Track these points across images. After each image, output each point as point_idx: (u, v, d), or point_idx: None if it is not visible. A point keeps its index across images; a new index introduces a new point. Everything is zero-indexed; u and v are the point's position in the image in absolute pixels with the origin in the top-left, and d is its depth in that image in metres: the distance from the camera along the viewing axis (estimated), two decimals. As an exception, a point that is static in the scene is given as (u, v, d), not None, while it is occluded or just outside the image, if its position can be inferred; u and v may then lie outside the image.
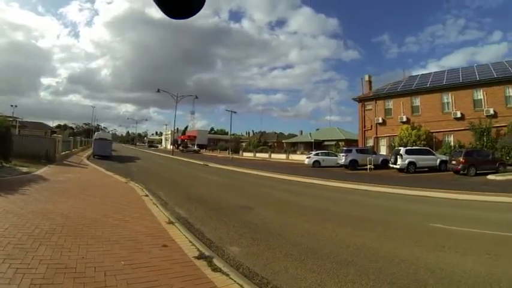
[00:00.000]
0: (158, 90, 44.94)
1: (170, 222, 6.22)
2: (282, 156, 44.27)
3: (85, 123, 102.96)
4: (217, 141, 74.58)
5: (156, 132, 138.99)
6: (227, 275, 3.80)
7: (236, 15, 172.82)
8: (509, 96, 24.12)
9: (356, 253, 5.04)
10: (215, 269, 3.95)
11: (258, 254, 4.92)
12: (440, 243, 5.59)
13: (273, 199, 11.04)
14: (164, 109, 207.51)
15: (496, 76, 25.37)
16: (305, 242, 5.59)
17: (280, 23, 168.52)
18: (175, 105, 47.48)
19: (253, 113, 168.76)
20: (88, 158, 26.08)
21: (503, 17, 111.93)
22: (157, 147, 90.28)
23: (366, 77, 36.45)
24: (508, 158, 20.79)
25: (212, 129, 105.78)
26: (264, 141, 64.53)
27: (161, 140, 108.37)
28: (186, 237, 5.30)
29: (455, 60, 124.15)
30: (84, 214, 6.29)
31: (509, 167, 19.21)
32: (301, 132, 67.73)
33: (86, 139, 49.86)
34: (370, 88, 35.70)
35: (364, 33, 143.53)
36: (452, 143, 26.02)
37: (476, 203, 10.45)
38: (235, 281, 3.65)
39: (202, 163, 29.19)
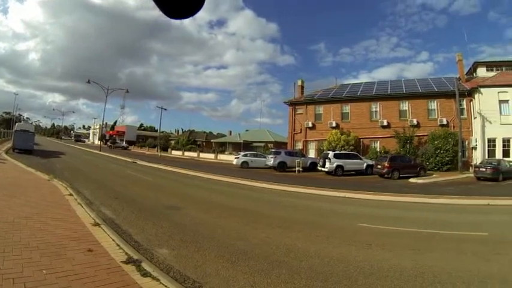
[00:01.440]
0: (88, 81, 42.15)
1: (96, 224, 5.82)
2: (211, 155, 43.60)
3: (5, 112, 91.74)
4: (146, 138, 71.66)
5: (84, 126, 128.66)
6: (157, 279, 3.67)
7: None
8: (431, 109, 27.21)
9: (287, 253, 5.16)
10: (145, 273, 3.78)
11: (188, 257, 4.81)
12: (368, 241, 6.02)
13: (202, 199, 10.93)
14: (94, 102, 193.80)
15: (420, 91, 28.48)
16: (235, 243, 5.60)
17: (220, 23, 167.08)
18: (106, 98, 44.77)
19: (184, 111, 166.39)
20: (7, 152, 23.91)
21: (431, 40, 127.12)
22: (84, 142, 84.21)
23: (299, 82, 37.01)
24: (427, 163, 23.61)
25: (141, 125, 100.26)
26: (193, 140, 63.10)
27: (89, 134, 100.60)
28: (113, 240, 4.98)
29: (385, 73, 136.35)
30: (0, 216, 5.61)
31: (428, 172, 21.90)
32: (230, 132, 66.35)
33: (5, 130, 44.86)
34: (302, 93, 36.41)
35: (302, 40, 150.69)
36: (378, 149, 28.04)
37: (399, 203, 11.48)
38: (166, 286, 3.55)
39: (130, 160, 28.28)
